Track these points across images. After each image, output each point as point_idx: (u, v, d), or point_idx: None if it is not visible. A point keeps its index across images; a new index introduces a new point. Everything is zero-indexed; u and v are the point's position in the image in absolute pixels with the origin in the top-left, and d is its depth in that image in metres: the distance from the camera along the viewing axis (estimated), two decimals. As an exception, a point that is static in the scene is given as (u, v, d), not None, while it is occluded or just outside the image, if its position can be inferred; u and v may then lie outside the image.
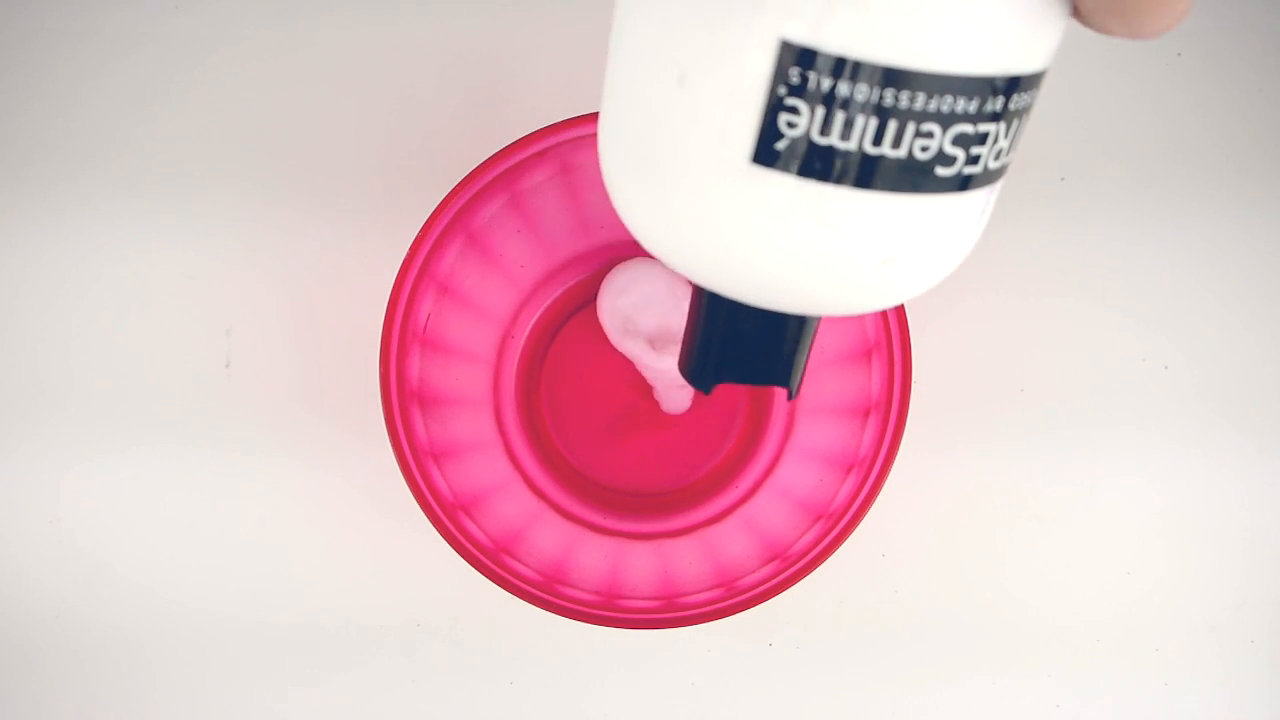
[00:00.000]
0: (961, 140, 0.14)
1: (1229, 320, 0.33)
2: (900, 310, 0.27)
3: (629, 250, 0.31)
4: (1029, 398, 0.33)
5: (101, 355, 0.32)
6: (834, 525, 0.27)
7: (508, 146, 0.26)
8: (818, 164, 0.14)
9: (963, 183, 0.15)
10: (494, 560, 0.27)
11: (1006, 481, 0.33)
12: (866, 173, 0.14)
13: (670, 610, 0.27)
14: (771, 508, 0.30)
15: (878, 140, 0.14)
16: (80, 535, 0.32)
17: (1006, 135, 0.15)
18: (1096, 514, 0.33)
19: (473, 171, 0.26)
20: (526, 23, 0.32)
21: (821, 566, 0.27)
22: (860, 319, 0.28)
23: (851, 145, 0.14)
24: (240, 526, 0.32)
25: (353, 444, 0.32)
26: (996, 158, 0.15)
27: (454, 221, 0.27)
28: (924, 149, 0.14)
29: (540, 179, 0.27)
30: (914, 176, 0.14)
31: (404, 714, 0.32)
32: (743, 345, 0.18)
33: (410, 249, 0.26)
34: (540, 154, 0.26)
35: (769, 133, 0.14)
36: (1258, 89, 0.33)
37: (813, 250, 0.15)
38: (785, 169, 0.14)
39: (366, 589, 0.32)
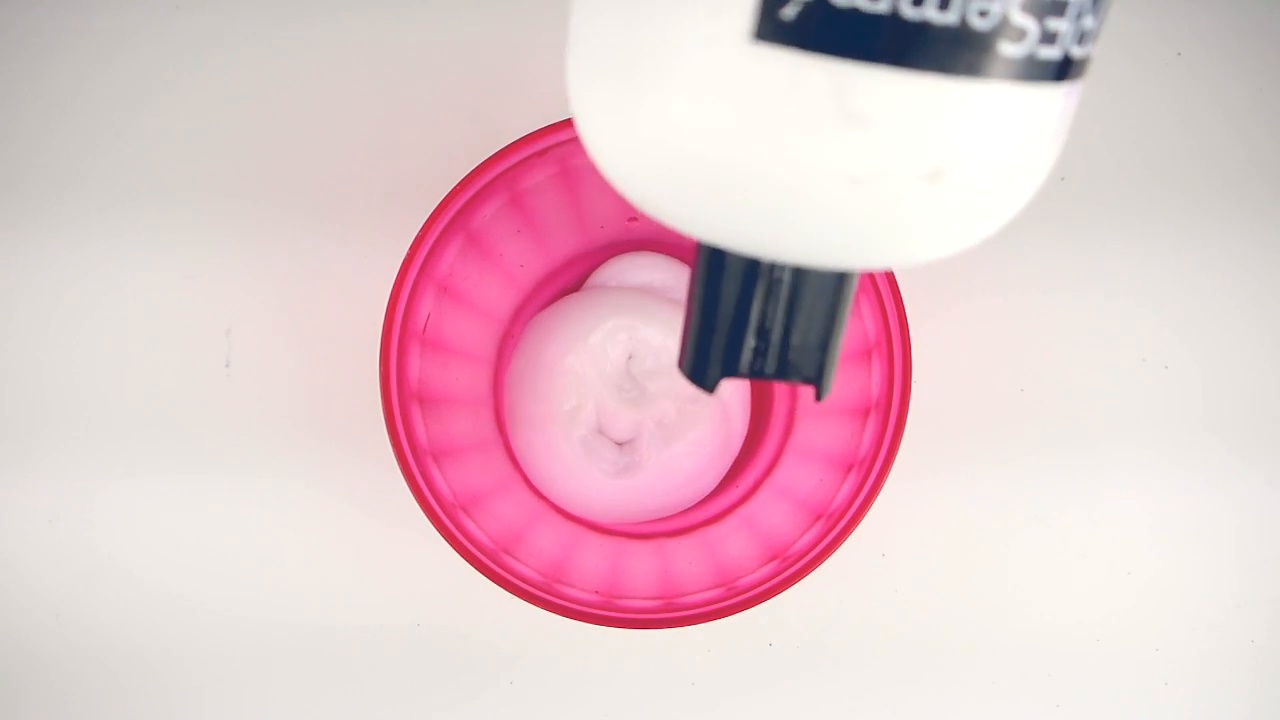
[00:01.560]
0: (1034, 6, 0.11)
1: (1230, 320, 0.33)
2: (900, 310, 0.27)
3: (630, 250, 0.31)
4: (1029, 398, 0.33)
5: (101, 355, 0.32)
6: (834, 525, 0.27)
7: (508, 146, 0.26)
8: (838, 34, 0.10)
9: (1036, 70, 0.11)
10: (494, 560, 0.27)
11: (1007, 481, 0.32)
12: (904, 45, 0.10)
13: (670, 610, 0.27)
14: (771, 507, 0.30)
15: None
16: (81, 535, 0.32)
17: (1094, 10, 0.11)
18: (1096, 514, 0.33)
19: (472, 171, 0.26)
20: (526, 23, 0.32)
21: (821, 566, 0.27)
22: (859, 318, 0.28)
23: (883, 7, 0.10)
24: (239, 526, 0.32)
25: (352, 444, 0.32)
26: (1080, 41, 0.11)
27: (454, 221, 0.27)
28: (983, 14, 0.10)
29: (540, 179, 0.27)
30: (969, 53, 0.11)
31: (404, 714, 0.32)
32: (755, 320, 0.13)
33: (410, 249, 0.26)
34: (540, 154, 0.26)
35: None
36: (1259, 89, 0.32)
37: (837, 157, 0.11)
38: (796, 44, 0.10)
39: (366, 589, 0.32)
